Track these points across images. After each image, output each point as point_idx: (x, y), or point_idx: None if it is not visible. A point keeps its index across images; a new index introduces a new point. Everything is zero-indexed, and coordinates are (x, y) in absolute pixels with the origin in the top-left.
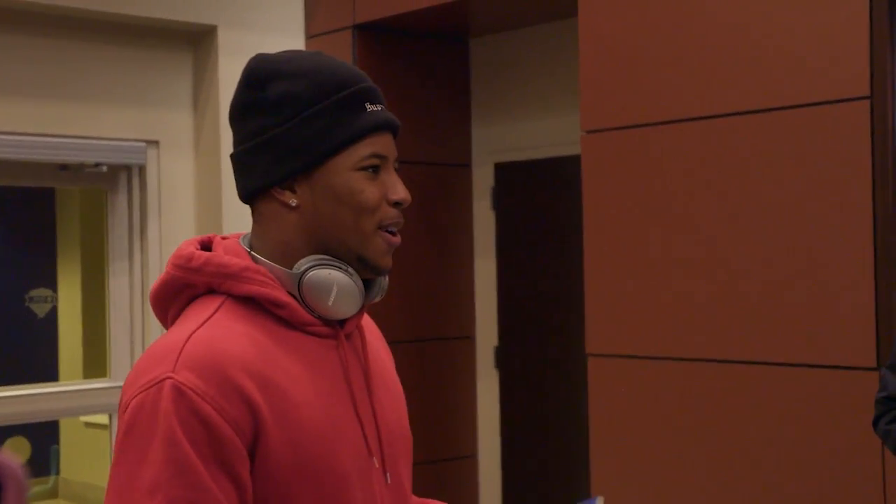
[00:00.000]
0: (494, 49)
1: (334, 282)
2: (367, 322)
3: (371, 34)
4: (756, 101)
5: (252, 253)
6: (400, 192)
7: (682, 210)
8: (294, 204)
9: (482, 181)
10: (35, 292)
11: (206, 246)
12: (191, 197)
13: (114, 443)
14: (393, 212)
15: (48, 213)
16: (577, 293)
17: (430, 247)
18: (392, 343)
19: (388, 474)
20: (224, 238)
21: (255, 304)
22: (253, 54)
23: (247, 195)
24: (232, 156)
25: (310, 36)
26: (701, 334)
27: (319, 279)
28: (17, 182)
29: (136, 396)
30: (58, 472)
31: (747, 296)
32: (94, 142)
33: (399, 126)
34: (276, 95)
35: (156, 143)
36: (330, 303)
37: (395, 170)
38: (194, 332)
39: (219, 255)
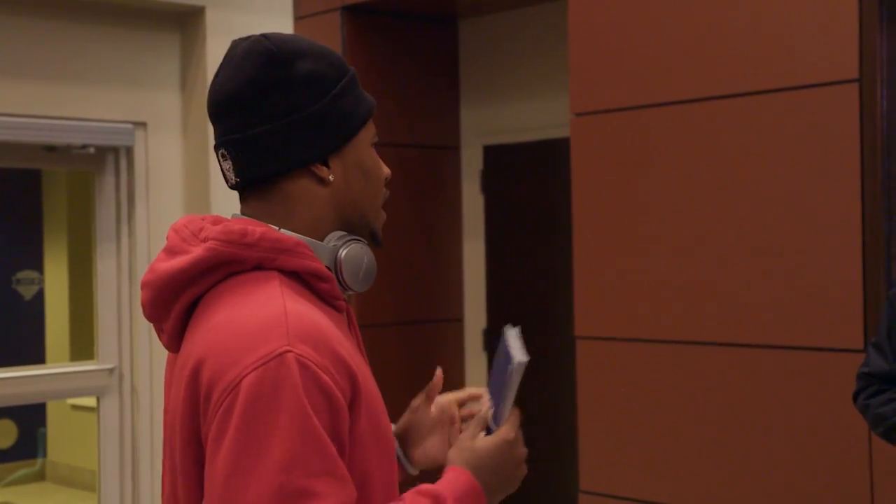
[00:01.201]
0: (483, 31)
1: (364, 256)
2: None
3: (359, 16)
4: (746, 84)
5: (282, 230)
6: (386, 169)
7: (671, 193)
8: (331, 178)
9: (471, 164)
10: (22, 274)
11: (219, 223)
12: (178, 178)
13: (217, 422)
14: (386, 190)
15: (35, 195)
16: (565, 276)
17: (419, 229)
18: (380, 326)
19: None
20: (228, 219)
21: (299, 280)
22: (241, 35)
23: (270, 174)
24: (245, 137)
25: (298, 17)
26: (690, 317)
27: (355, 253)
28: (2, 163)
29: (251, 372)
30: (45, 455)
31: (736, 278)
32: (82, 123)
33: None
34: (303, 74)
35: (143, 124)
36: (360, 277)
37: None
38: (286, 305)
39: (273, 230)
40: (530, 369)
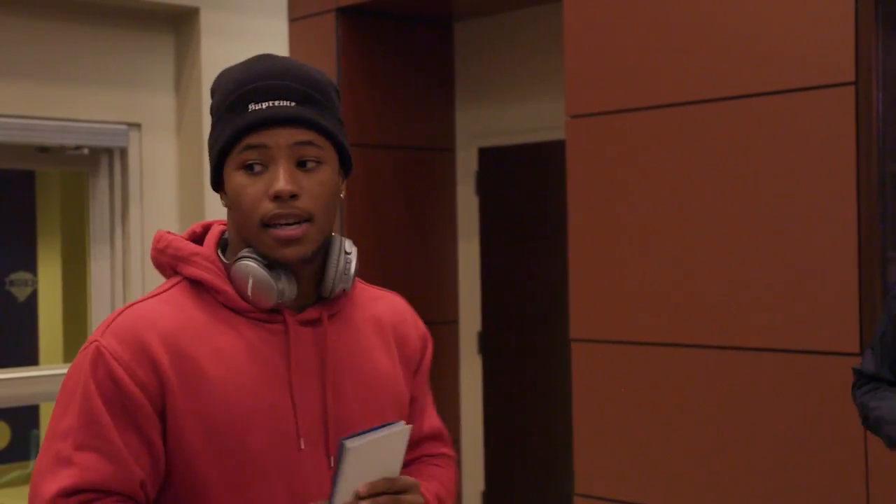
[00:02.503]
0: (479, 33)
1: (249, 273)
2: (379, 307)
3: (354, 17)
4: (742, 87)
5: (225, 240)
6: (278, 184)
7: (666, 195)
8: (225, 204)
9: (466, 166)
10: (15, 276)
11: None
12: (173, 179)
13: None
14: (270, 205)
15: (28, 196)
16: (561, 278)
17: (414, 231)
18: None
19: (331, 458)
20: (222, 225)
21: (205, 287)
22: (236, 37)
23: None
24: None
25: (293, 19)
26: (685, 320)
27: (237, 270)
28: None
29: (76, 357)
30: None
31: (731, 281)
32: (75, 124)
33: (298, 116)
34: (211, 109)
35: (137, 125)
36: (249, 292)
37: (310, 161)
38: (135, 304)
39: (178, 239)
40: (525, 372)
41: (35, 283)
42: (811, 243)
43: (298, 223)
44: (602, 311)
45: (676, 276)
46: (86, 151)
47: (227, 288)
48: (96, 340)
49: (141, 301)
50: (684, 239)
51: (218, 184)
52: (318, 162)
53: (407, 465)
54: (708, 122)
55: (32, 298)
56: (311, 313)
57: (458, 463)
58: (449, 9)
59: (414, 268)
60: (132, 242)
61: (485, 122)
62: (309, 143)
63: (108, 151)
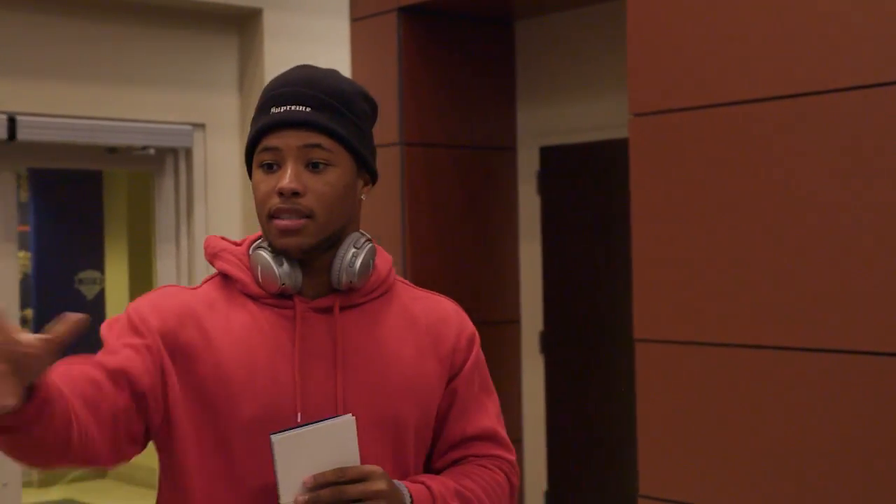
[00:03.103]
0: (540, 31)
1: (257, 262)
2: (418, 306)
3: (415, 17)
4: (809, 84)
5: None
6: (281, 183)
7: (731, 194)
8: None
9: (527, 165)
10: (84, 274)
11: None
12: (237, 179)
13: None
14: (276, 200)
15: (96, 196)
16: (623, 278)
17: (475, 231)
18: None
19: None
20: None
21: (231, 279)
22: (298, 37)
23: None
24: None
25: (354, 19)
26: (751, 320)
27: (251, 259)
28: (66, 164)
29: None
30: None
31: (799, 281)
32: (142, 125)
33: (308, 121)
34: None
35: (202, 125)
36: (259, 279)
37: (320, 163)
38: (170, 286)
39: (216, 238)
40: (588, 372)
41: (102, 281)
42: (884, 242)
43: (298, 218)
44: (667, 311)
45: (742, 275)
46: (152, 152)
47: (243, 276)
48: (132, 304)
49: (175, 286)
50: (750, 238)
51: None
52: (327, 164)
53: (450, 464)
54: (774, 120)
55: (100, 296)
56: (323, 301)
57: (520, 462)
58: (510, 8)
59: (475, 267)
60: (197, 241)
61: (546, 121)
62: (317, 145)
63: (174, 152)
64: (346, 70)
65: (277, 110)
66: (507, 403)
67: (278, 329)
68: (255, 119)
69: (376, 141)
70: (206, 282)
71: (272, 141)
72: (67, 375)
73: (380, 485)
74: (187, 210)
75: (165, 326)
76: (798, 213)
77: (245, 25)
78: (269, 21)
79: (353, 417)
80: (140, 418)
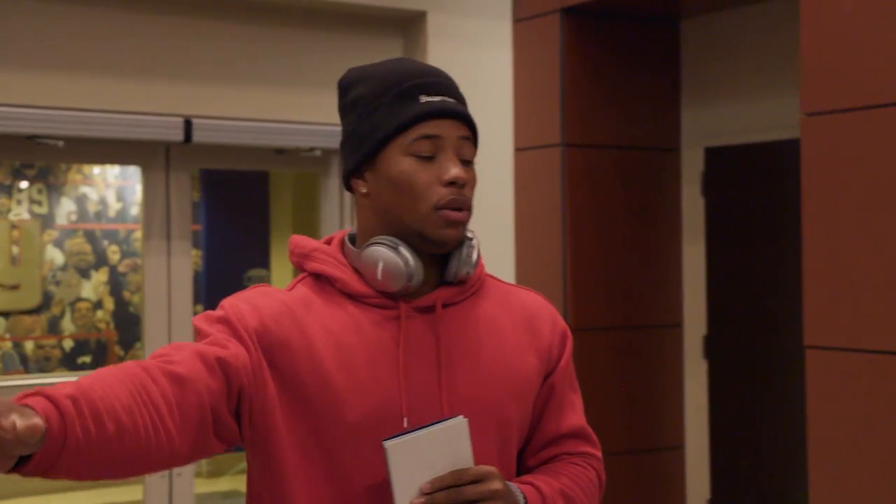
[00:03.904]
0: (707, 29)
1: (380, 258)
2: (511, 301)
3: (579, 17)
4: None
5: (349, 236)
6: (453, 172)
7: None
8: (364, 191)
9: (692, 166)
10: (252, 272)
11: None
12: None
13: None
14: (445, 191)
15: (263, 196)
16: (792, 282)
17: (638, 232)
18: (596, 329)
19: None
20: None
21: (328, 280)
22: (462, 39)
23: (345, 188)
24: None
25: (517, 20)
26: None
27: (368, 256)
28: (236, 166)
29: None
30: None
31: None
32: (309, 126)
33: (462, 113)
34: (351, 99)
35: None
36: (379, 276)
37: (467, 158)
38: (263, 285)
39: (304, 238)
40: (753, 378)
41: (270, 279)
42: None
43: (465, 210)
44: (840, 317)
45: None
46: (318, 153)
47: (344, 276)
48: (226, 301)
49: (268, 286)
50: None
51: (357, 171)
52: (470, 161)
53: (544, 462)
54: None
55: None
56: (425, 300)
57: (681, 469)
58: (676, 6)
59: (636, 269)
60: None
61: (712, 122)
62: (468, 139)
63: (339, 153)
64: (508, 71)
65: (431, 99)
66: (669, 409)
67: (379, 329)
68: (391, 104)
69: (537, 142)
70: (297, 282)
71: (432, 129)
72: (131, 374)
73: (496, 484)
74: (351, 209)
75: (263, 326)
76: None
77: (409, 28)
78: (434, 23)
79: (466, 419)
80: (230, 411)
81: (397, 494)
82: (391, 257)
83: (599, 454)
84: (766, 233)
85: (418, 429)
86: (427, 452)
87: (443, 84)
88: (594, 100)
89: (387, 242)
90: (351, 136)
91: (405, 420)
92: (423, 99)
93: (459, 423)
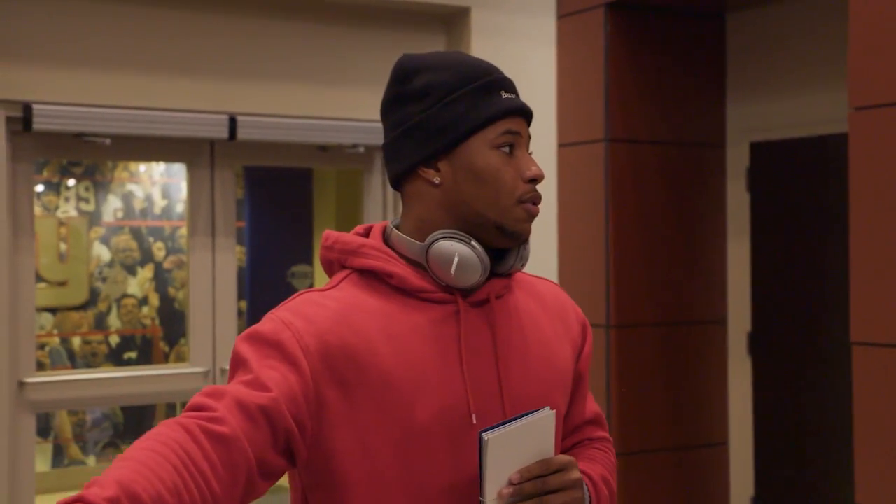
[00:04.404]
0: (753, 24)
1: (455, 252)
2: (541, 291)
3: (623, 12)
4: None
5: (392, 232)
6: (534, 169)
7: None
8: (438, 181)
9: (737, 161)
10: (296, 268)
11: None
12: None
13: None
14: (528, 187)
15: (306, 193)
16: (838, 279)
17: (682, 228)
18: (640, 325)
19: None
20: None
21: (376, 276)
22: (506, 34)
23: (395, 180)
24: (384, 146)
25: (561, 15)
26: None
27: (443, 249)
28: (280, 162)
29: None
30: None
31: None
32: (352, 123)
33: (532, 115)
34: (421, 85)
35: None
36: (452, 271)
37: (530, 153)
38: (308, 291)
39: (345, 234)
40: (798, 375)
41: (312, 275)
42: None
43: (537, 205)
44: (888, 314)
45: None
46: (362, 150)
47: (400, 271)
48: (275, 313)
49: (314, 290)
50: None
51: (429, 160)
52: None
53: (569, 449)
54: None
55: None
56: (479, 294)
57: (725, 466)
58: (722, 1)
59: (680, 265)
60: None
61: (757, 117)
62: (530, 138)
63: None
64: (552, 66)
65: (509, 96)
66: (713, 405)
67: (438, 325)
68: (475, 96)
69: (581, 137)
70: (341, 280)
71: (514, 125)
72: (172, 444)
73: (576, 473)
74: (395, 206)
75: (323, 344)
76: None
77: (453, 24)
78: (477, 19)
79: (554, 411)
80: (278, 452)
81: (488, 486)
82: (466, 251)
83: (610, 437)
84: (811, 228)
85: (510, 421)
86: (518, 444)
87: (511, 83)
88: (638, 95)
89: (458, 236)
90: (423, 124)
91: (474, 417)
92: (504, 95)
93: (549, 416)
